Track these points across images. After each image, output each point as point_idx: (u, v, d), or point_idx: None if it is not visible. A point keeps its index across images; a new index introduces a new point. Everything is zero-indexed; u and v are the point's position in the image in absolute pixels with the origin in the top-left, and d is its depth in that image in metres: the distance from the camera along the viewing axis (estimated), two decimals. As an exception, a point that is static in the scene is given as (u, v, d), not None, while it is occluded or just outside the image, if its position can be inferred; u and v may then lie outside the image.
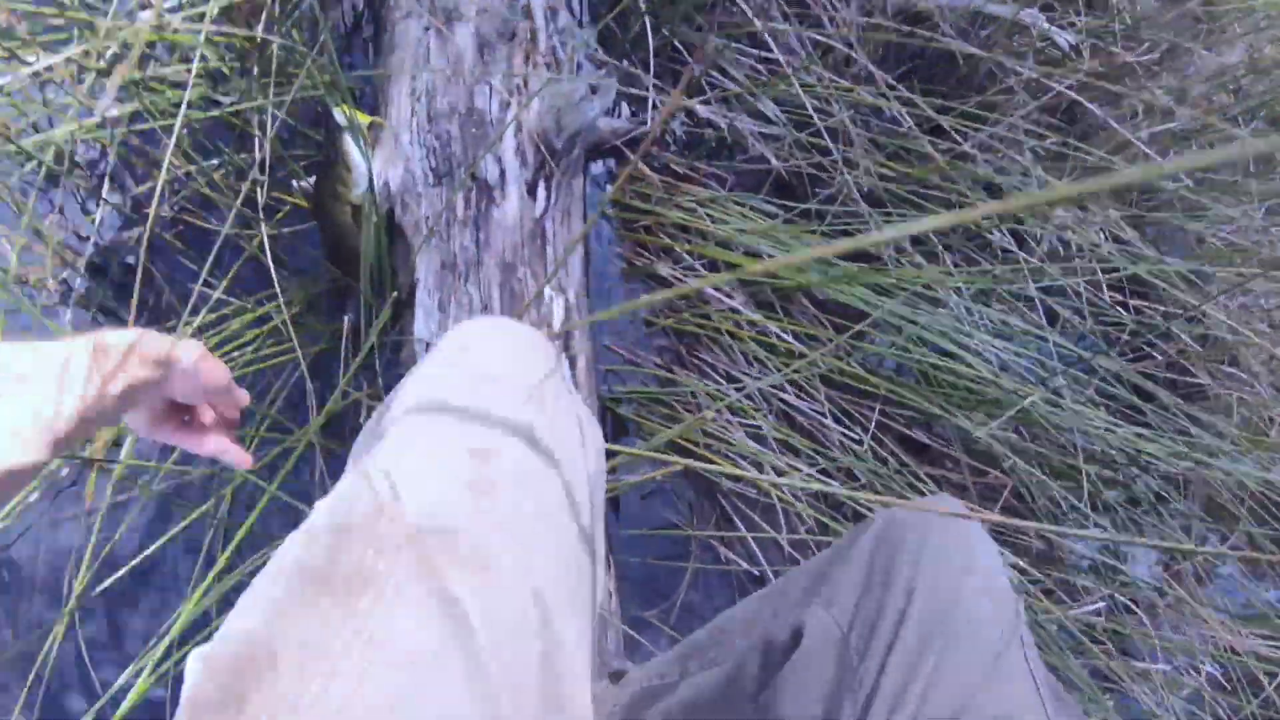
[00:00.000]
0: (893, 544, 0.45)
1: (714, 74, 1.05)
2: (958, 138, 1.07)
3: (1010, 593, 0.43)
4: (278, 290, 0.86)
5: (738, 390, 1.04)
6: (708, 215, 1.02)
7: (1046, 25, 1.14)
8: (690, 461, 0.52)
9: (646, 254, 1.07)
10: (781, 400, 1.05)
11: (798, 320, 1.03)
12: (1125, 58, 1.17)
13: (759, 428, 1.05)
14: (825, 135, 1.02)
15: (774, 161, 1.05)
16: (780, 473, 1.04)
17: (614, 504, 1.06)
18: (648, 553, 1.04)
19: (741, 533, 1.05)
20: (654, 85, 1.05)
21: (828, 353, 0.98)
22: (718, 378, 1.05)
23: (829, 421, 1.03)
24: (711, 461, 1.06)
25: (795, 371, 1.02)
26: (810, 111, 1.01)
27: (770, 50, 1.05)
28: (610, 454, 1.05)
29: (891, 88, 1.04)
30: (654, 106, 1.06)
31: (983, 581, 0.43)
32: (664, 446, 1.05)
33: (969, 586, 0.42)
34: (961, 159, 1.08)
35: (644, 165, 1.06)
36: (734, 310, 1.03)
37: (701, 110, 1.06)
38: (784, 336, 1.02)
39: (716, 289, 1.03)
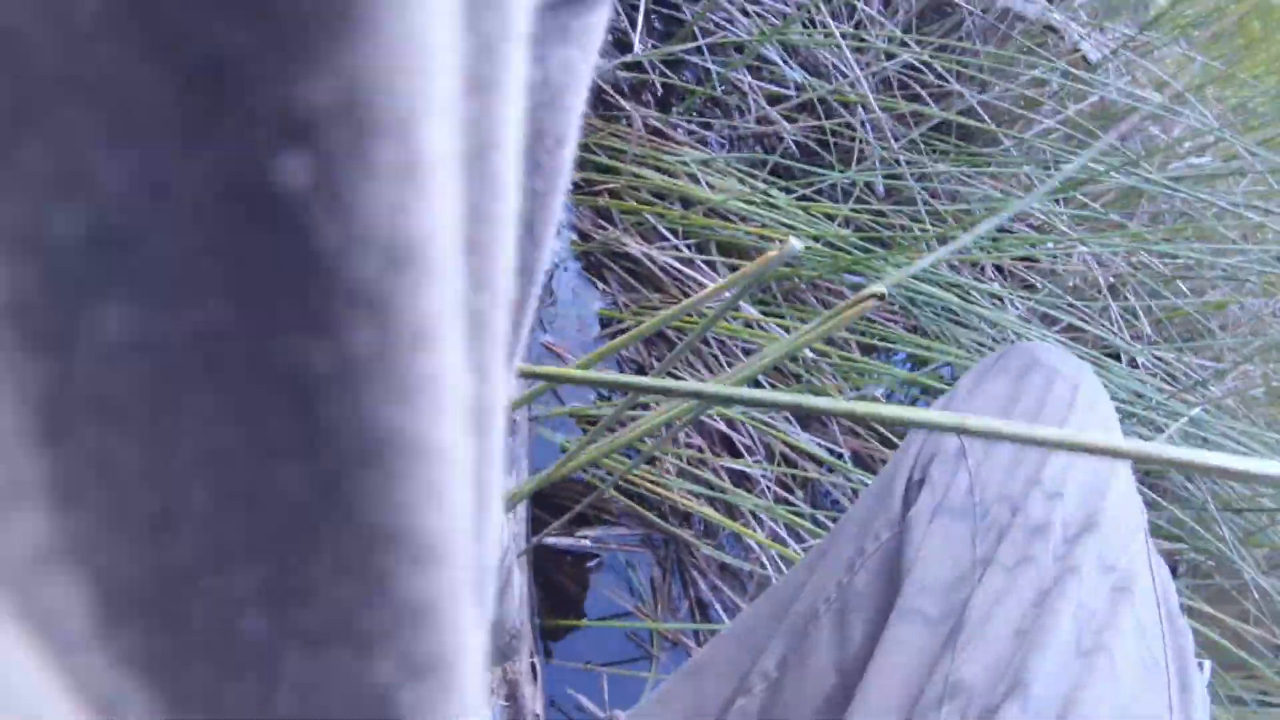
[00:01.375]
0: (1055, 381, 0.41)
1: (711, 16, 0.82)
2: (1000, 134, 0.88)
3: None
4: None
5: (723, 418, 0.75)
6: (705, 181, 0.76)
7: (1078, 35, 1.00)
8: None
9: (608, 225, 0.78)
10: (784, 441, 0.76)
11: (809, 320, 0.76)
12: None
13: (752, 473, 0.76)
14: (851, 108, 0.79)
15: (784, 125, 0.81)
16: (779, 539, 0.74)
17: (538, 578, 0.72)
18: (587, 654, 0.70)
19: (722, 623, 0.73)
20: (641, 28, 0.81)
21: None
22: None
23: (849, 463, 0.75)
24: (683, 518, 0.75)
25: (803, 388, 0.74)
26: (834, 62, 0.79)
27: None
28: (539, 501, 0.72)
29: (925, 63, 0.85)
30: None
31: (1126, 484, 0.39)
32: (610, 489, 0.73)
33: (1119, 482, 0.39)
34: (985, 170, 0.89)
35: (629, 109, 0.79)
36: (732, 310, 0.75)
37: (692, 59, 0.82)
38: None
39: (683, 265, 0.75)
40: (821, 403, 0.28)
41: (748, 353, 0.76)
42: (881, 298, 0.36)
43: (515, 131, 0.11)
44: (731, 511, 0.74)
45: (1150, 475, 0.99)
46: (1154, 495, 1.03)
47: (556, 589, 0.71)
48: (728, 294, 0.43)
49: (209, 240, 0.07)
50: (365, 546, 0.09)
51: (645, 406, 0.75)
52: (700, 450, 0.74)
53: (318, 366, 0.08)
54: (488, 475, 0.12)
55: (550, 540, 0.71)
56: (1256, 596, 0.94)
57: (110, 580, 0.08)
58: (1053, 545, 0.36)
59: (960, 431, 0.32)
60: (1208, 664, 0.41)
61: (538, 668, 0.64)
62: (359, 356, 0.08)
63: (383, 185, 0.07)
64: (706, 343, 0.76)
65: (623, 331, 0.79)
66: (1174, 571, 1.15)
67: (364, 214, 0.07)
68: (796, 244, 0.28)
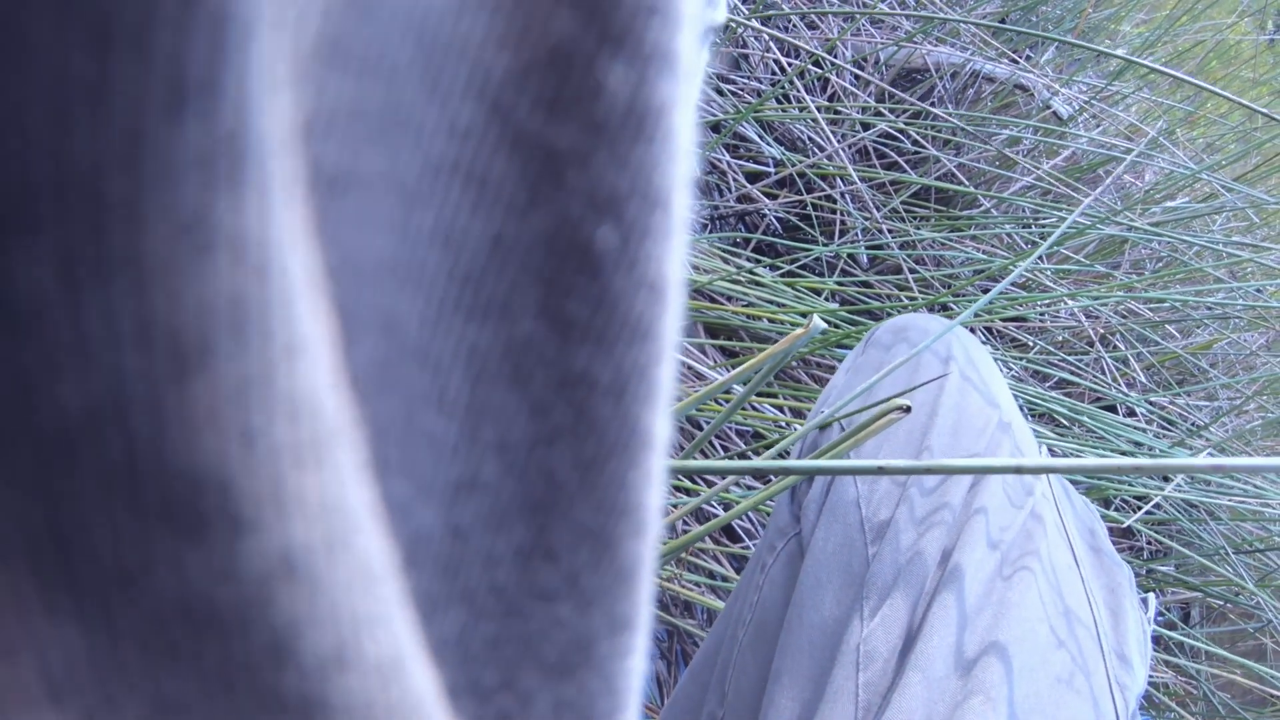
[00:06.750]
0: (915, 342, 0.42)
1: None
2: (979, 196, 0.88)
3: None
4: None
5: (721, 502, 0.73)
6: (689, 263, 0.76)
7: (1047, 92, 1.01)
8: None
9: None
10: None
11: (804, 400, 0.75)
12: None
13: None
14: (829, 181, 0.80)
15: (765, 202, 0.81)
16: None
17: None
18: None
19: None
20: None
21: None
22: (697, 484, 0.74)
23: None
24: (684, 607, 0.72)
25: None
26: (811, 136, 0.79)
27: (755, 77, 0.85)
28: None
29: (900, 132, 0.85)
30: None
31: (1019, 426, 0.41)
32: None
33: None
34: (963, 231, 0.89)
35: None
36: (724, 394, 0.74)
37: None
38: (785, 425, 0.74)
39: (670, 349, 0.75)
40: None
41: (740, 434, 0.74)
42: (907, 410, 0.35)
43: None
44: (735, 600, 0.72)
45: (1158, 526, 0.98)
46: (1158, 546, 1.01)
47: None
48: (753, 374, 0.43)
49: (529, 278, 0.10)
50: (604, 518, 0.11)
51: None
52: (700, 538, 0.72)
53: (599, 375, 0.10)
54: None
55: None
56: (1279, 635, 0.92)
57: (415, 532, 0.10)
58: (954, 501, 0.37)
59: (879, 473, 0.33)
60: (1151, 598, 0.43)
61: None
62: (627, 368, 0.10)
63: (655, 243, 0.10)
64: (699, 426, 0.75)
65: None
66: (1186, 618, 1.13)
67: (643, 264, 0.10)
68: (820, 323, 0.28)
